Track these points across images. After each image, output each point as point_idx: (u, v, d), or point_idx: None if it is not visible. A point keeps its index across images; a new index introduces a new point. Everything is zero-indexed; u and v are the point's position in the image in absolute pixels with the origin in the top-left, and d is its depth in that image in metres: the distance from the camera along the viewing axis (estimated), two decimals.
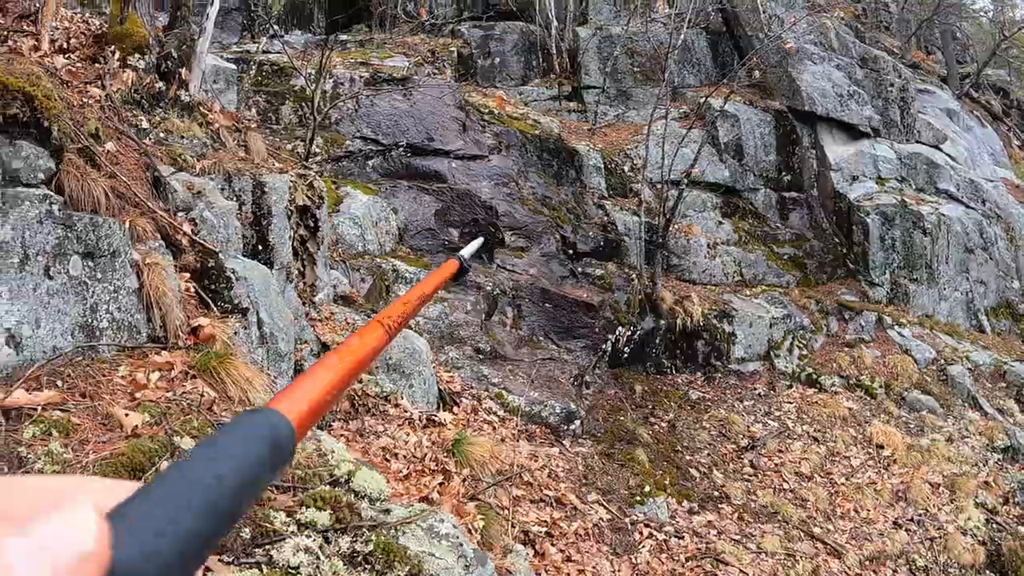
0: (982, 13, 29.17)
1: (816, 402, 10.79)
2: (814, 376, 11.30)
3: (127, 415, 2.95)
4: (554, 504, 7.30)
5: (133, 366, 3.46)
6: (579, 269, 10.71)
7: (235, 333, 4.66)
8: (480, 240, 1.92)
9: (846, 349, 11.97)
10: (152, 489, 0.43)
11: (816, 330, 12.26)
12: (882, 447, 9.96)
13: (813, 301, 12.66)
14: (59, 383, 3.19)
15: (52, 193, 3.75)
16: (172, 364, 3.43)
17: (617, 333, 10.06)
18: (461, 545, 3.25)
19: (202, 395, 3.15)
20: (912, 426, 10.54)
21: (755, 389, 11.06)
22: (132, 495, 0.42)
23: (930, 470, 9.62)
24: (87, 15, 10.17)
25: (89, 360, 3.63)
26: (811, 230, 14.12)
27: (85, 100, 6.21)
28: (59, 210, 3.67)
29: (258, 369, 4.49)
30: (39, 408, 2.89)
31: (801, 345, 11.88)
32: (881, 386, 11.14)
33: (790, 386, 11.20)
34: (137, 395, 3.12)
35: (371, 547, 2.78)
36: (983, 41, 26.36)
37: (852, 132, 14.90)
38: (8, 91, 4.06)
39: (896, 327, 12.49)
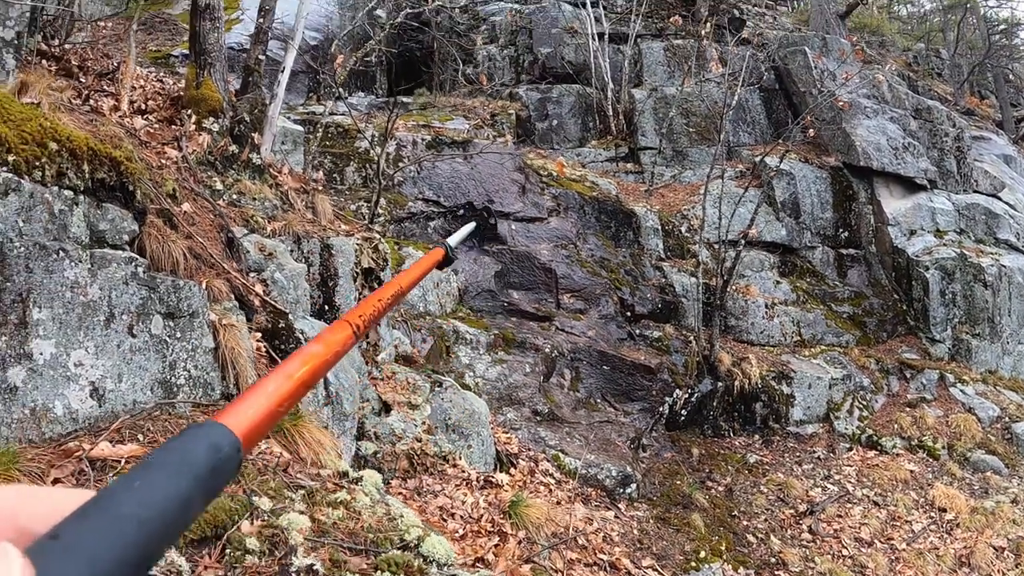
0: None
1: (877, 465, 10.58)
2: (875, 438, 11.10)
3: None
4: (608, 568, 7.23)
5: None
6: (637, 331, 10.72)
7: None
8: (471, 226, 1.79)
9: (907, 409, 11.74)
10: (74, 526, 0.43)
11: (876, 390, 12.06)
12: (945, 510, 9.72)
13: (873, 360, 12.47)
14: (140, 436, 3.31)
15: (137, 256, 3.91)
16: None
17: (675, 395, 10.02)
18: None
19: (279, 456, 3.24)
20: (976, 488, 10.27)
21: (814, 452, 10.89)
22: (56, 529, 0.43)
23: (995, 533, 9.34)
24: (160, 74, 10.57)
25: (167, 415, 3.75)
26: (870, 287, 13.95)
27: (163, 161, 6.47)
28: (143, 272, 3.83)
29: (327, 430, 4.58)
30: (123, 460, 3.00)
31: (861, 406, 11.69)
32: (944, 447, 10.90)
33: (850, 448, 11.01)
34: None
35: None
36: None
37: (908, 185, 14.71)
38: (96, 156, 4.25)
39: (958, 384, 12.23)
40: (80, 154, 3.95)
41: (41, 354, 3.32)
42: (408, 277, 1.23)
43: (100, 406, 3.51)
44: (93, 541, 0.43)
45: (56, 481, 2.85)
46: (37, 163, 3.67)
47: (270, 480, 3.11)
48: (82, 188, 3.95)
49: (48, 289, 3.38)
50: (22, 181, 3.49)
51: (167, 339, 3.87)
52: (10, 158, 3.49)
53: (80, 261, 3.54)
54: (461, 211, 11.07)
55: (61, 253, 3.48)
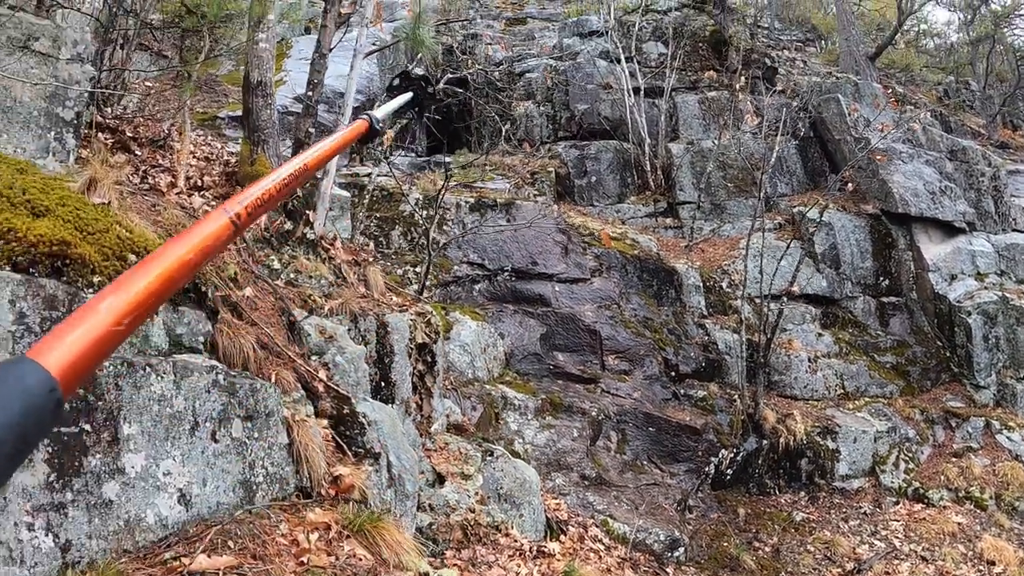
0: None
1: (924, 518, 10.51)
2: (921, 490, 11.03)
3: None
4: None
5: (291, 524, 3.74)
6: (681, 391, 10.80)
7: (367, 477, 4.93)
8: (406, 96, 1.54)
9: (953, 459, 11.65)
10: None
11: (922, 440, 11.98)
12: (993, 563, 9.62)
13: (917, 410, 12.40)
14: (230, 543, 3.48)
15: (217, 363, 4.11)
16: (328, 524, 3.69)
17: (720, 455, 10.06)
18: None
19: (362, 559, 3.39)
20: None
21: (860, 507, 10.84)
22: None
23: None
24: (208, 137, 10.87)
25: (247, 513, 3.93)
26: (912, 335, 13.89)
27: None
28: (224, 378, 4.02)
29: (392, 512, 4.73)
30: (220, 572, 3.17)
31: (907, 458, 11.62)
32: (991, 497, 10.80)
33: (896, 502, 10.94)
34: (303, 559, 3.39)
35: None
36: None
37: (947, 229, 14.66)
38: None
39: (1004, 431, 12.11)
40: None
41: (133, 467, 3.51)
42: (317, 154, 1.05)
43: (187, 511, 3.69)
44: None
45: None
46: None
47: None
48: None
49: (137, 404, 3.58)
50: None
51: (246, 440, 4.06)
52: (95, 279, 3.71)
53: (165, 374, 3.74)
54: (505, 273, 11.27)
55: (148, 369, 3.68)
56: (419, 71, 16.47)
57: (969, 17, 24.79)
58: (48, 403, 0.47)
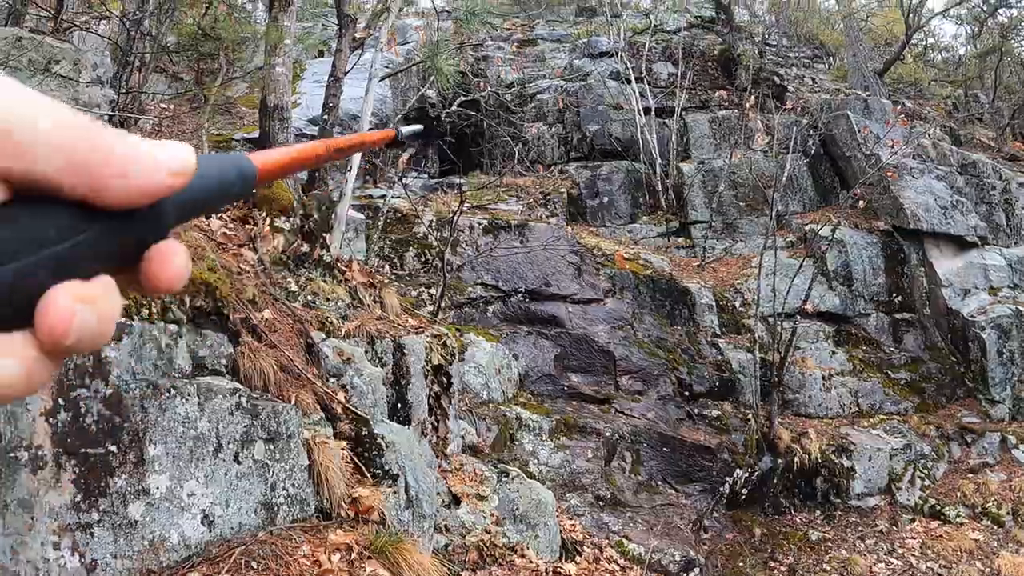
0: None
1: (941, 535, 10.44)
2: (937, 507, 10.97)
3: None
4: None
5: (313, 545, 3.78)
6: (695, 410, 10.80)
7: (386, 498, 4.97)
8: (419, 127, 1.80)
9: (970, 475, 11.58)
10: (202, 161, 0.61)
11: (938, 457, 11.91)
12: None
13: (933, 427, 12.33)
14: (254, 564, 3.52)
15: (240, 386, 4.17)
16: (349, 545, 3.73)
17: (735, 475, 10.04)
18: None
19: None
20: None
21: (876, 525, 10.78)
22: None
23: None
24: None
25: (269, 534, 3.97)
26: (926, 351, 13.82)
27: (241, 265, 6.76)
28: (247, 401, 4.07)
29: (412, 536, 4.77)
30: None
31: (923, 475, 11.55)
32: (1008, 513, 10.72)
33: (913, 520, 10.87)
34: None
35: None
36: None
37: (959, 243, 14.58)
38: (195, 284, 4.52)
39: (1021, 446, 12.05)
40: (182, 287, 4.23)
41: (158, 488, 3.56)
42: (364, 139, 1.23)
43: (210, 531, 3.74)
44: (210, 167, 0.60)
45: None
46: (144, 301, 3.95)
47: None
48: (184, 320, 4.22)
49: (162, 426, 3.64)
50: (132, 323, 3.77)
51: (268, 462, 4.10)
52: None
53: (189, 396, 3.80)
54: (519, 294, 11.31)
55: (172, 391, 3.74)
56: (432, 93, 16.59)
57: (976, 30, 24.83)
58: (251, 175, 0.65)
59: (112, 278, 0.52)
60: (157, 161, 0.52)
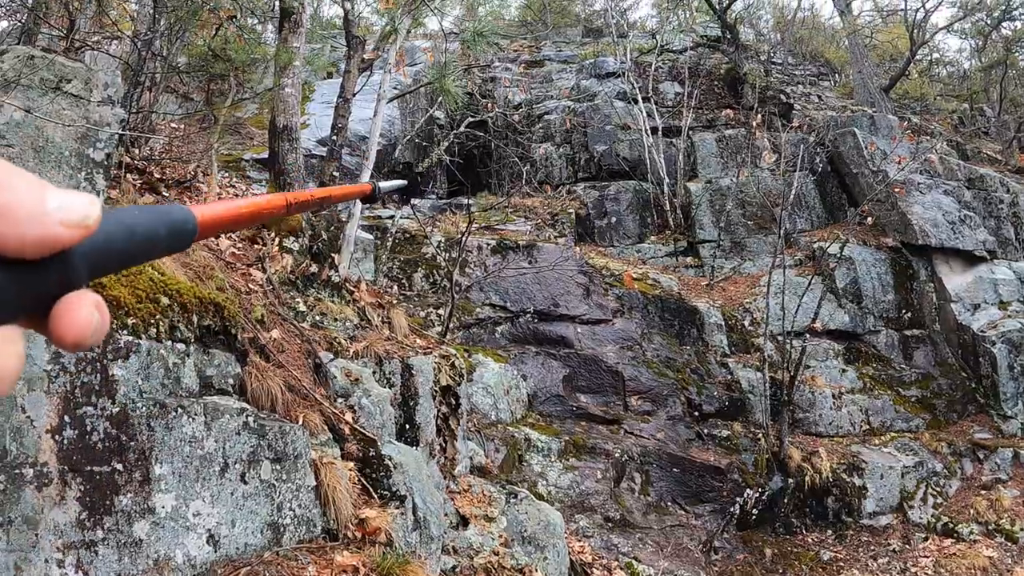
0: None
1: (954, 553, 10.33)
2: (950, 525, 10.87)
3: None
4: None
5: (319, 567, 3.74)
6: (705, 431, 10.74)
7: (393, 520, 4.93)
8: (402, 183, 1.78)
9: (983, 492, 11.47)
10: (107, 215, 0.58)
11: (950, 474, 11.81)
12: None
13: (945, 443, 12.23)
14: None
15: (248, 406, 4.15)
16: (356, 567, 3.70)
17: (745, 495, 9.97)
18: None
19: None
20: None
21: (889, 544, 10.68)
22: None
23: None
24: (233, 179, 10.99)
25: (275, 555, 3.94)
26: (937, 367, 13.73)
27: (250, 285, 6.76)
28: (254, 421, 4.06)
29: (417, 553, 4.73)
30: None
31: (935, 492, 11.46)
32: (1022, 529, 10.61)
33: (925, 538, 10.77)
34: None
35: None
36: None
37: (968, 258, 14.53)
38: (203, 303, 4.52)
39: None
40: (190, 307, 4.23)
41: (163, 507, 3.54)
42: (329, 192, 1.23)
43: (216, 551, 3.71)
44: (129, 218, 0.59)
45: None
46: (152, 320, 3.94)
47: None
48: (192, 339, 4.21)
49: (168, 445, 3.62)
50: (140, 341, 3.76)
51: (275, 482, 4.08)
52: (129, 321, 3.76)
53: (196, 415, 3.78)
54: (527, 315, 11.30)
55: (179, 410, 3.72)
56: (440, 115, 16.66)
57: (981, 44, 24.84)
58: (187, 229, 0.64)
59: (17, 330, 0.50)
60: (47, 211, 0.49)
